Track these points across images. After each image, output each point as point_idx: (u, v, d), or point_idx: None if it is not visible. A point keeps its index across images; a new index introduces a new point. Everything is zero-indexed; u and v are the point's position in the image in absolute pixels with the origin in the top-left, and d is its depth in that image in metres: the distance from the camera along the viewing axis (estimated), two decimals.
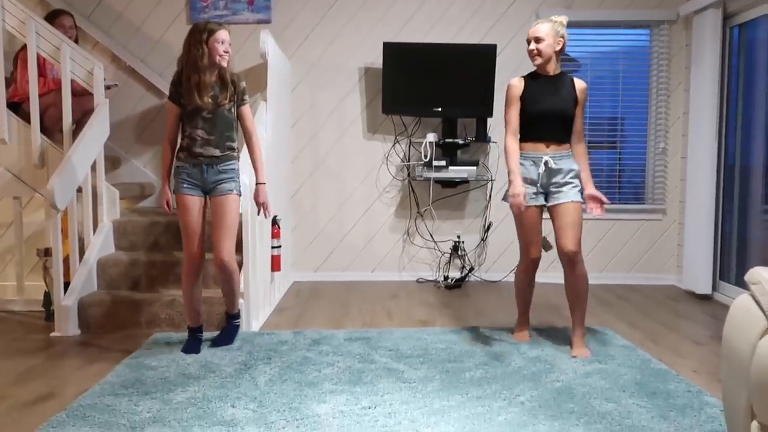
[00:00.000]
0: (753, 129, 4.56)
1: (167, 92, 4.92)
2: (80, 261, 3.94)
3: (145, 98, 5.14)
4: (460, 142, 4.95)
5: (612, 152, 5.43)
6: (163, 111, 5.13)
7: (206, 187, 3.26)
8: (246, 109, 3.33)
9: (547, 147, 3.30)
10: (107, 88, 4.32)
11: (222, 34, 3.18)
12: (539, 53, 3.24)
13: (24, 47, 4.19)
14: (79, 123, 4.15)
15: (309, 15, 5.15)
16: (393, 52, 4.95)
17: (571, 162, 3.33)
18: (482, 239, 5.27)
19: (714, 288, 4.76)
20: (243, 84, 3.31)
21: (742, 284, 4.50)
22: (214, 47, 3.16)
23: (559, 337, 3.57)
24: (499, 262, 5.26)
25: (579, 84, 3.34)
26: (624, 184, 5.42)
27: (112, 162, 4.95)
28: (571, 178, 3.30)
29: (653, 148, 5.28)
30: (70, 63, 4.01)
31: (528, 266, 3.44)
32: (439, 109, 4.96)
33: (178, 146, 3.29)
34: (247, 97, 3.32)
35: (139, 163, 5.16)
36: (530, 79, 3.34)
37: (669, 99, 5.20)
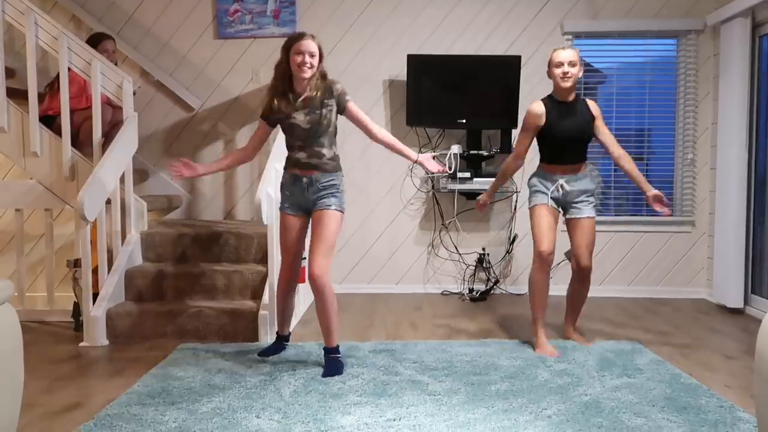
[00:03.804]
0: None
1: (194, 106, 5.14)
2: (108, 272, 3.99)
3: (172, 112, 5.22)
4: (485, 153, 4.94)
5: (639, 164, 5.33)
6: (190, 124, 5.21)
7: (308, 205, 3.21)
8: (351, 106, 3.19)
9: (563, 171, 3.47)
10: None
11: (302, 45, 3.09)
12: (572, 76, 3.39)
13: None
14: (108, 136, 4.22)
15: (334, 28, 5.19)
16: (417, 64, 4.96)
17: (587, 182, 3.51)
18: (507, 251, 5.24)
19: (746, 301, 4.66)
20: (338, 86, 3.17)
21: None
22: (293, 59, 3.10)
23: (586, 350, 3.51)
24: (525, 274, 5.20)
25: (591, 103, 3.53)
26: None
27: (140, 174, 5.02)
28: (586, 197, 3.49)
29: (681, 159, 5.20)
30: (100, 77, 4.09)
31: (541, 263, 3.44)
32: (464, 121, 4.95)
33: (284, 164, 3.28)
34: (347, 97, 3.19)
35: (167, 175, 5.23)
36: (550, 103, 3.48)
37: (697, 109, 5.13)
